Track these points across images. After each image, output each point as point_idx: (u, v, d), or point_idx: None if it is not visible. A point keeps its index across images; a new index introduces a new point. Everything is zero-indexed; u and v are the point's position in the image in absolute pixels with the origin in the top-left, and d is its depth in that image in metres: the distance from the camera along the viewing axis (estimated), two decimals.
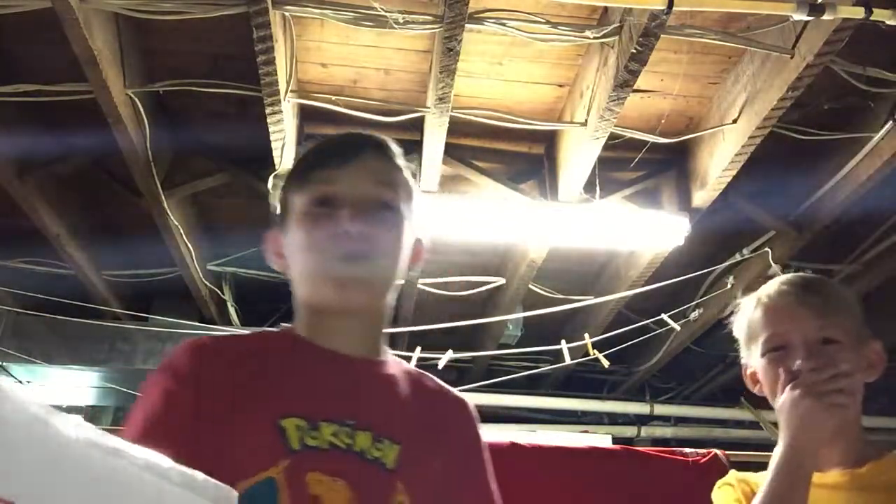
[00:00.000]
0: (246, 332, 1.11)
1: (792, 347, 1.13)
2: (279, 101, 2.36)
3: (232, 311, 3.76)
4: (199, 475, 0.38)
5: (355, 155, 1.06)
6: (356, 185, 1.03)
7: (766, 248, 3.20)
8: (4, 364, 3.75)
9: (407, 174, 1.11)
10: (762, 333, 1.17)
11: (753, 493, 1.08)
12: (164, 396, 0.93)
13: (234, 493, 0.39)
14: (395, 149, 1.11)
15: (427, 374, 1.12)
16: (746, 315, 1.22)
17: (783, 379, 1.10)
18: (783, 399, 1.07)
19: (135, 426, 0.91)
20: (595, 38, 2.26)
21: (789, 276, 1.25)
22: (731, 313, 1.27)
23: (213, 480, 0.39)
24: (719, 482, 1.22)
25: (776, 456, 1.05)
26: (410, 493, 0.93)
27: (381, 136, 1.13)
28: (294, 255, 1.04)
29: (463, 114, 2.61)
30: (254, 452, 0.89)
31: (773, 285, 1.22)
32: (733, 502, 1.16)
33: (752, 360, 1.20)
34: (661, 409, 4.74)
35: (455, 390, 1.12)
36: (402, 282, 1.10)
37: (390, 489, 0.92)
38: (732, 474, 1.22)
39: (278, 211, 1.11)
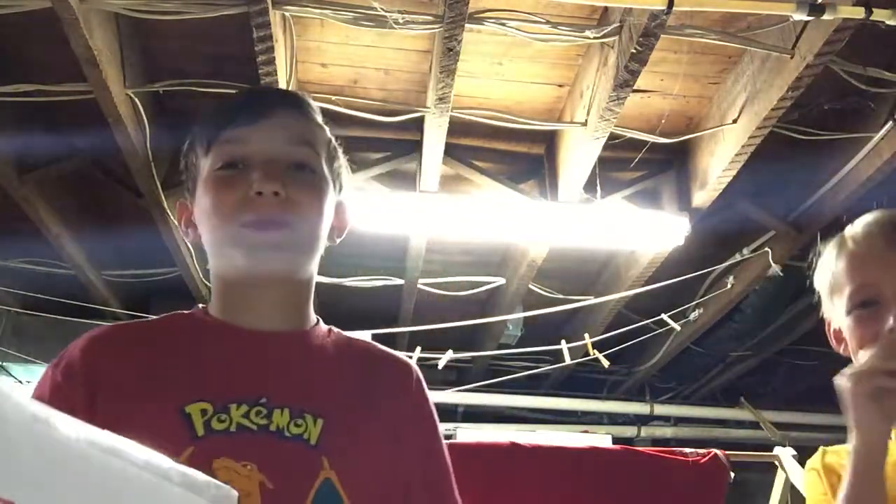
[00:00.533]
0: (153, 317, 1.05)
1: (884, 302, 0.96)
2: None
3: None
4: (200, 475, 0.38)
5: (267, 111, 0.95)
6: (269, 145, 0.93)
7: (766, 248, 3.20)
8: (4, 364, 3.75)
9: (327, 133, 1.01)
10: (847, 286, 1.00)
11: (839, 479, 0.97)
12: (50, 392, 0.88)
13: (234, 493, 0.39)
14: (313, 104, 1.02)
15: (370, 342, 1.04)
16: (828, 264, 1.06)
17: (858, 347, 0.97)
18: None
19: None
20: (595, 38, 2.26)
21: (877, 213, 1.07)
22: (812, 267, 1.11)
23: (213, 480, 0.38)
24: (808, 465, 1.11)
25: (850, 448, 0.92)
26: (339, 469, 0.86)
27: (296, 91, 1.04)
28: (205, 221, 0.95)
29: (463, 114, 2.61)
30: (157, 444, 0.83)
31: (858, 225, 1.06)
32: (820, 496, 1.04)
33: (836, 315, 1.05)
34: (661, 409, 4.75)
35: (400, 355, 1.03)
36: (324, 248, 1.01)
37: (314, 466, 0.85)
38: (819, 457, 1.08)
39: (184, 176, 1.02)
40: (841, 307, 1.02)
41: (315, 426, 0.88)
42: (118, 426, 0.83)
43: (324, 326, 1.01)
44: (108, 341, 0.93)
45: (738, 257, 3.35)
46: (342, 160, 1.04)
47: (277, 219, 0.91)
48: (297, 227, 0.93)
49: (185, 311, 1.00)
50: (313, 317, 1.01)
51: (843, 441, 1.00)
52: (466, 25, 2.11)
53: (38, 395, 0.89)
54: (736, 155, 2.59)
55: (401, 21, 2.12)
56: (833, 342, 1.08)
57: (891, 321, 0.94)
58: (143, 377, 0.89)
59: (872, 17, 1.99)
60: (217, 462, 0.82)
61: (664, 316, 3.48)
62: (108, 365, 0.90)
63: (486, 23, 2.20)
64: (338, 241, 1.03)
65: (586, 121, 2.54)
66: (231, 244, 0.93)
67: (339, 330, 1.02)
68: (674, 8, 1.96)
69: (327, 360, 0.97)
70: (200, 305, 1.01)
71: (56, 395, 0.88)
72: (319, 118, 1.01)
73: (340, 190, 1.02)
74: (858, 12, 1.99)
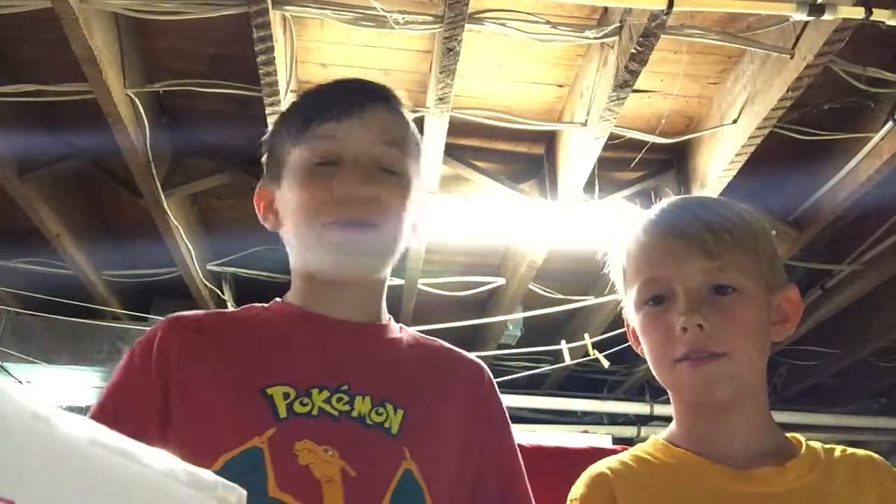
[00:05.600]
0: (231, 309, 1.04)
1: (674, 298, 0.92)
2: (279, 101, 2.36)
3: None
4: (208, 474, 0.38)
5: (362, 107, 0.94)
6: (362, 143, 0.93)
7: None
8: (4, 364, 3.75)
9: (414, 129, 1.02)
10: (636, 280, 0.98)
11: None
12: (124, 366, 0.89)
13: (244, 493, 0.39)
14: (403, 101, 1.01)
15: (440, 341, 1.04)
16: (620, 254, 1.04)
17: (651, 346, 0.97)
18: None
19: (98, 402, 0.87)
20: (595, 38, 2.26)
21: (670, 200, 1.04)
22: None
23: (221, 479, 0.38)
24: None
25: None
26: (419, 460, 0.86)
27: (386, 86, 1.00)
28: (289, 215, 0.95)
29: (463, 114, 2.61)
30: (239, 424, 0.83)
31: (650, 213, 1.02)
32: None
33: (629, 311, 1.02)
34: (661, 409, 4.74)
35: (470, 355, 1.03)
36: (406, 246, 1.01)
37: (395, 456, 0.85)
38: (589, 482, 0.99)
39: (267, 160, 1.01)
40: (631, 301, 0.97)
41: (396, 416, 0.87)
42: (199, 408, 0.84)
43: (395, 324, 1.01)
44: (190, 326, 0.93)
45: None
46: (424, 154, 1.04)
47: (367, 222, 0.91)
48: (383, 230, 0.92)
49: (264, 304, 1.00)
50: (387, 313, 1.01)
51: (845, 443, 1.00)
52: (466, 25, 2.11)
53: (118, 369, 0.90)
54: (736, 155, 2.59)
55: (401, 21, 2.12)
56: (631, 341, 1.02)
57: (682, 320, 0.88)
58: (223, 359, 0.89)
59: (872, 18, 1.99)
60: (299, 444, 0.82)
61: None
62: (190, 348, 0.90)
63: (486, 23, 2.20)
64: (419, 240, 1.05)
65: (586, 121, 2.54)
66: (316, 242, 0.92)
67: (409, 329, 1.03)
68: (674, 8, 1.96)
69: (404, 353, 0.97)
70: (278, 299, 1.00)
71: (128, 367, 0.89)
72: (408, 114, 1.01)
73: (421, 183, 1.03)
74: (858, 12, 1.99)
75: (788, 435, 0.98)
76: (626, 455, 0.98)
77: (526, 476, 0.99)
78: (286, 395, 0.85)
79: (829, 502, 0.89)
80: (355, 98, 0.95)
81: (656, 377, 0.96)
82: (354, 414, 0.86)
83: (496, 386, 1.01)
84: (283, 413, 0.83)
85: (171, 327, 0.92)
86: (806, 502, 0.88)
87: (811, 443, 0.97)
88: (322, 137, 0.93)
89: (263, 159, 1.02)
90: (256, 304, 1.00)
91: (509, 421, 1.01)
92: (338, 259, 0.91)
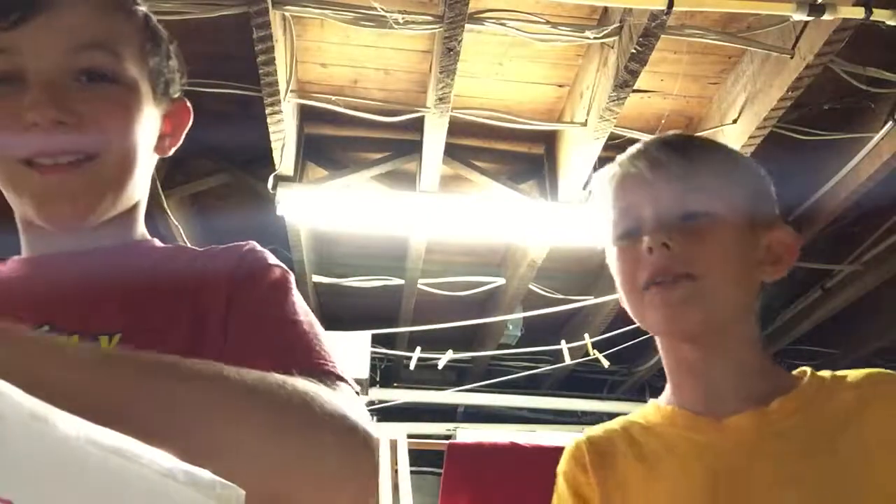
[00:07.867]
0: None
1: (643, 227, 0.91)
2: (279, 101, 2.36)
3: None
4: (206, 474, 0.38)
5: (47, 4, 0.71)
6: (45, 53, 0.71)
7: None
8: None
9: (138, 18, 0.81)
10: (610, 215, 0.97)
11: None
12: None
13: (242, 493, 0.39)
14: None
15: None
16: (600, 203, 1.01)
17: (624, 282, 0.95)
18: None
19: None
20: (595, 38, 2.26)
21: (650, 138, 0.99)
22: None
23: (219, 479, 0.38)
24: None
25: None
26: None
27: None
28: None
29: (463, 114, 2.61)
30: None
31: (626, 151, 0.99)
32: None
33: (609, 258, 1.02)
34: None
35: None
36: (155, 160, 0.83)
37: None
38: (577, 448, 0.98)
39: None
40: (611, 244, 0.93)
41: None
42: None
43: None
44: None
45: None
46: (160, 40, 0.86)
47: (61, 154, 0.71)
48: (100, 162, 0.73)
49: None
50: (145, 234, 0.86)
51: None
52: (466, 25, 2.11)
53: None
54: None
55: (401, 21, 2.12)
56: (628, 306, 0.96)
57: (646, 241, 0.86)
58: None
59: (872, 18, 1.99)
60: None
61: None
62: None
63: (486, 23, 2.20)
64: (171, 151, 0.86)
65: (586, 121, 2.54)
66: (13, 187, 0.73)
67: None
68: (674, 8, 1.96)
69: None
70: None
71: None
72: (131, 4, 0.80)
73: (167, 85, 0.87)
74: (858, 12, 1.99)
75: (798, 371, 0.91)
76: (617, 421, 0.98)
77: None
78: None
79: (812, 441, 0.82)
80: None
81: (630, 313, 0.93)
82: None
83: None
84: None
85: None
86: (780, 446, 0.83)
87: (821, 373, 0.89)
88: None
89: None
90: None
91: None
92: (39, 206, 0.72)
